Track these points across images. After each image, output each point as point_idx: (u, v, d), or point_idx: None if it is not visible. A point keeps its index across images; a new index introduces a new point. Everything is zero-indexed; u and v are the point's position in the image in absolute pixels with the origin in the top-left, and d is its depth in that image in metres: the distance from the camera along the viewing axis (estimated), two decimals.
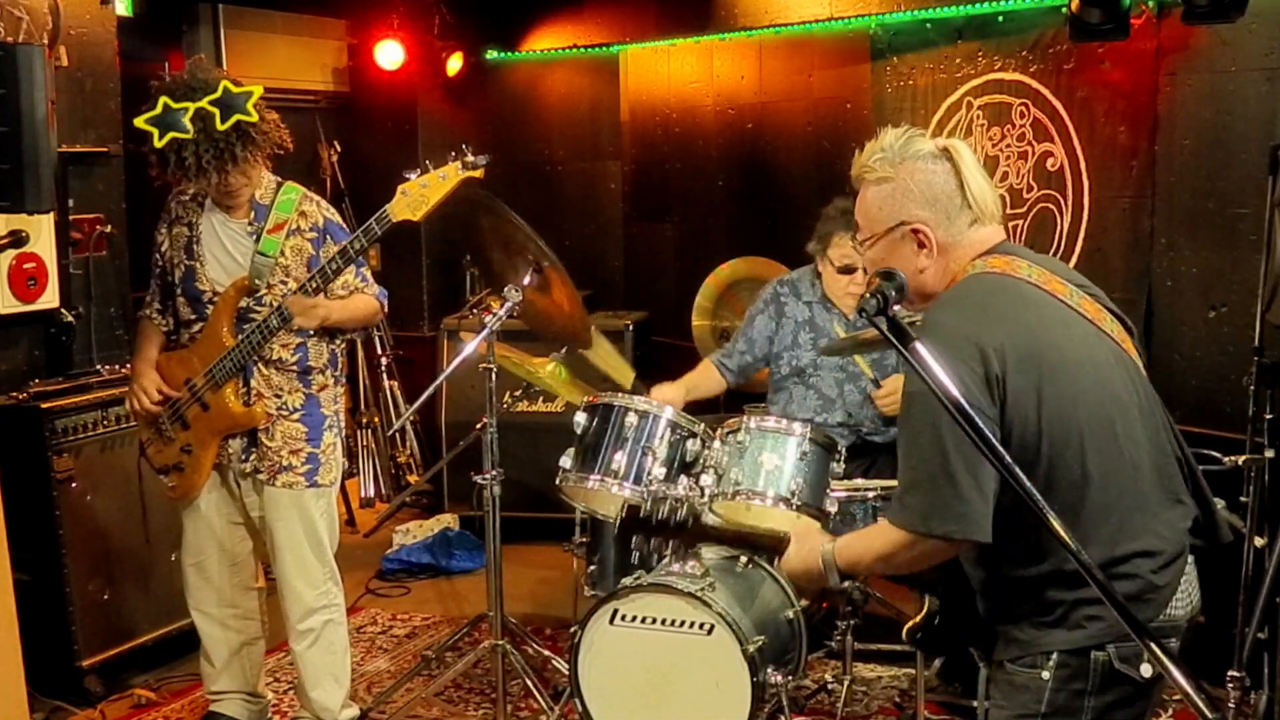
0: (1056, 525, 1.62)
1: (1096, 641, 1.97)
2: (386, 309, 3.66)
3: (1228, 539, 2.16)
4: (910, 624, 2.23)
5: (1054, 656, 2.00)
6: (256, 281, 3.43)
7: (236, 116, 3.27)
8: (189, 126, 3.23)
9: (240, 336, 3.42)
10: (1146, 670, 1.96)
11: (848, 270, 3.87)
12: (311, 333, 3.51)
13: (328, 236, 3.50)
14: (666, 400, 3.71)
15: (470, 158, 3.29)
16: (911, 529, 2.00)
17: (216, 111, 3.25)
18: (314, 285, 3.36)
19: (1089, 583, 1.89)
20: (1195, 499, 2.12)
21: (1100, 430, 1.98)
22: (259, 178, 3.48)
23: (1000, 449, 1.65)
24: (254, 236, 3.46)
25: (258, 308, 3.44)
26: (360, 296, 3.54)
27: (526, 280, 3.73)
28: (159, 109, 3.26)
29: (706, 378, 4.15)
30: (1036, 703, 2.01)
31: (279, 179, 3.55)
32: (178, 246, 3.53)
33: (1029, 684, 2.03)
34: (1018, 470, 1.64)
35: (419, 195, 3.27)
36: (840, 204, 3.88)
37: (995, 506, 1.95)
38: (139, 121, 3.30)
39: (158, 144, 3.27)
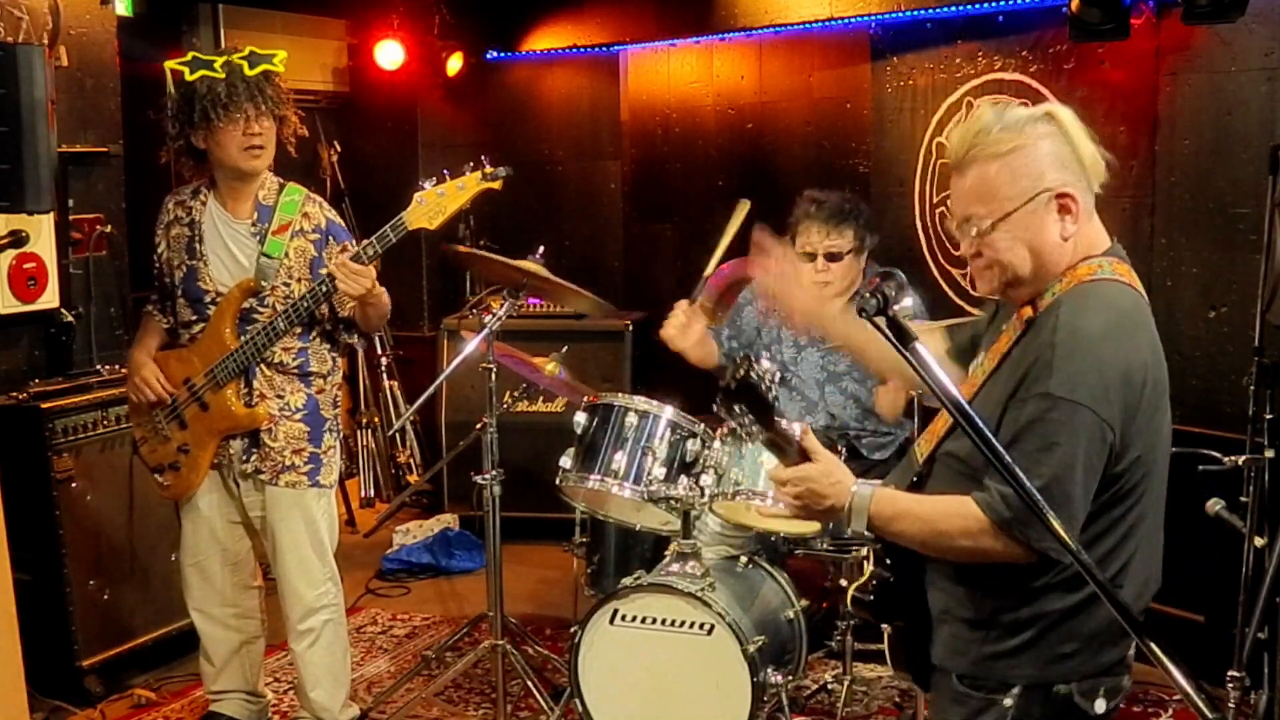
0: (1056, 525, 1.62)
1: (1063, 678, 1.98)
2: (389, 312, 3.65)
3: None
4: (856, 585, 2.15)
5: (1017, 687, 1.99)
6: (262, 283, 3.43)
7: (264, 66, 3.37)
8: (220, 69, 3.33)
9: (245, 337, 3.42)
10: (1100, 706, 1.98)
11: (809, 257, 3.87)
12: (313, 336, 3.51)
13: (330, 237, 3.50)
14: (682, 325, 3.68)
15: (490, 169, 3.30)
16: (1002, 524, 1.89)
17: (245, 63, 3.36)
18: (324, 290, 3.36)
19: (1081, 617, 1.95)
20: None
21: (1160, 467, 2.03)
22: (272, 157, 3.48)
23: (1001, 450, 1.65)
24: (258, 238, 3.45)
25: (261, 309, 3.44)
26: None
27: (517, 298, 3.74)
28: (189, 57, 3.37)
29: (707, 345, 4.12)
30: None
31: (281, 180, 3.55)
32: (177, 248, 3.53)
33: (988, 709, 2.02)
34: (1019, 473, 1.64)
35: (436, 204, 3.28)
36: (810, 194, 3.89)
37: (1104, 522, 1.98)
38: (170, 64, 3.38)
39: (189, 77, 3.32)
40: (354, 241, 3.49)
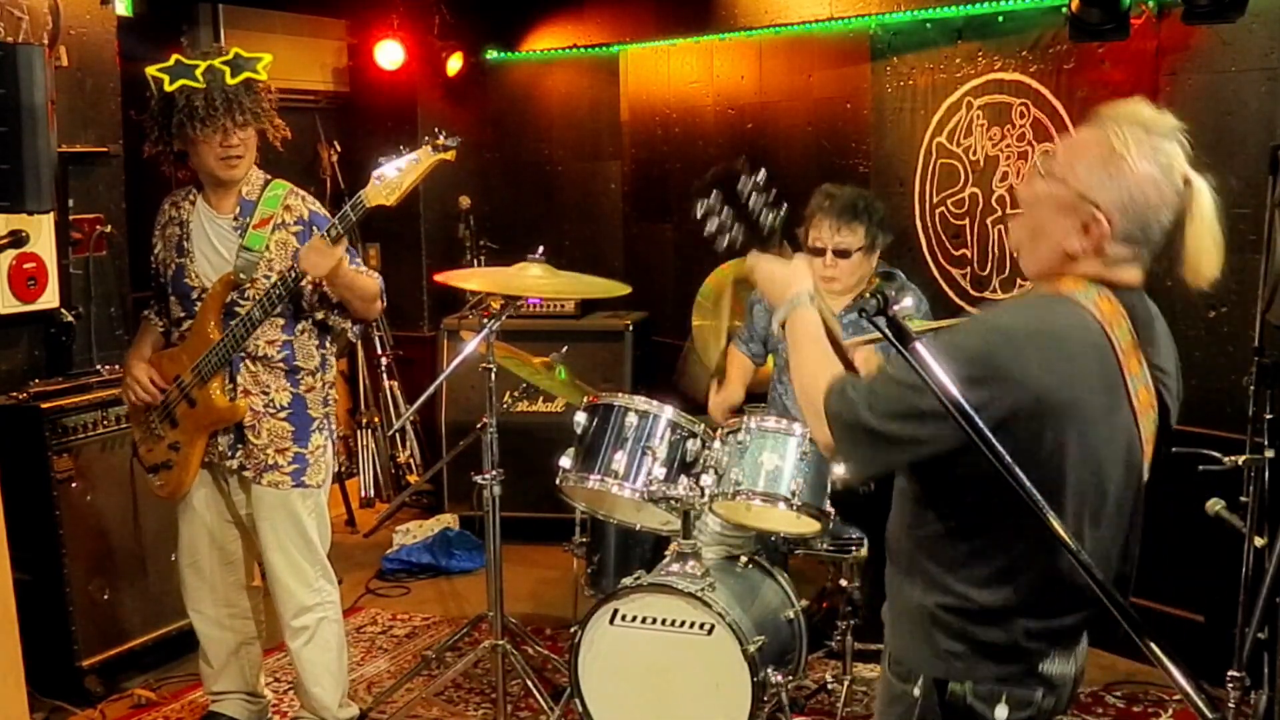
0: (1056, 525, 1.62)
1: (955, 677, 1.97)
2: (385, 299, 3.63)
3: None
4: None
5: (921, 679, 2.00)
6: (241, 276, 3.43)
7: (246, 74, 3.37)
8: (200, 79, 3.33)
9: (226, 330, 3.42)
10: (1001, 713, 1.95)
11: (817, 253, 3.86)
12: (299, 329, 3.51)
13: (313, 228, 3.49)
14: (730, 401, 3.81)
15: (441, 140, 3.30)
16: (832, 413, 1.93)
17: (227, 69, 3.35)
18: (293, 275, 3.35)
19: (975, 626, 1.93)
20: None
21: (1081, 508, 1.93)
22: (253, 161, 3.49)
23: (1000, 449, 1.65)
24: (240, 232, 3.46)
25: (243, 302, 3.44)
26: (362, 273, 3.53)
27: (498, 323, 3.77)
28: (171, 63, 3.37)
29: (744, 370, 4.16)
30: (909, 717, 2.02)
31: (268, 176, 3.56)
32: (169, 246, 3.55)
33: (902, 697, 2.03)
34: (1018, 470, 1.64)
35: (393, 181, 3.29)
36: (826, 188, 3.87)
37: (960, 522, 1.95)
38: (151, 70, 3.37)
39: (168, 87, 3.33)
40: (349, 249, 3.48)
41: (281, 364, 3.50)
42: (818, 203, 3.85)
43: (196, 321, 3.47)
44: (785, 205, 2.21)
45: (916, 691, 2.00)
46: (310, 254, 3.27)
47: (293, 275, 3.34)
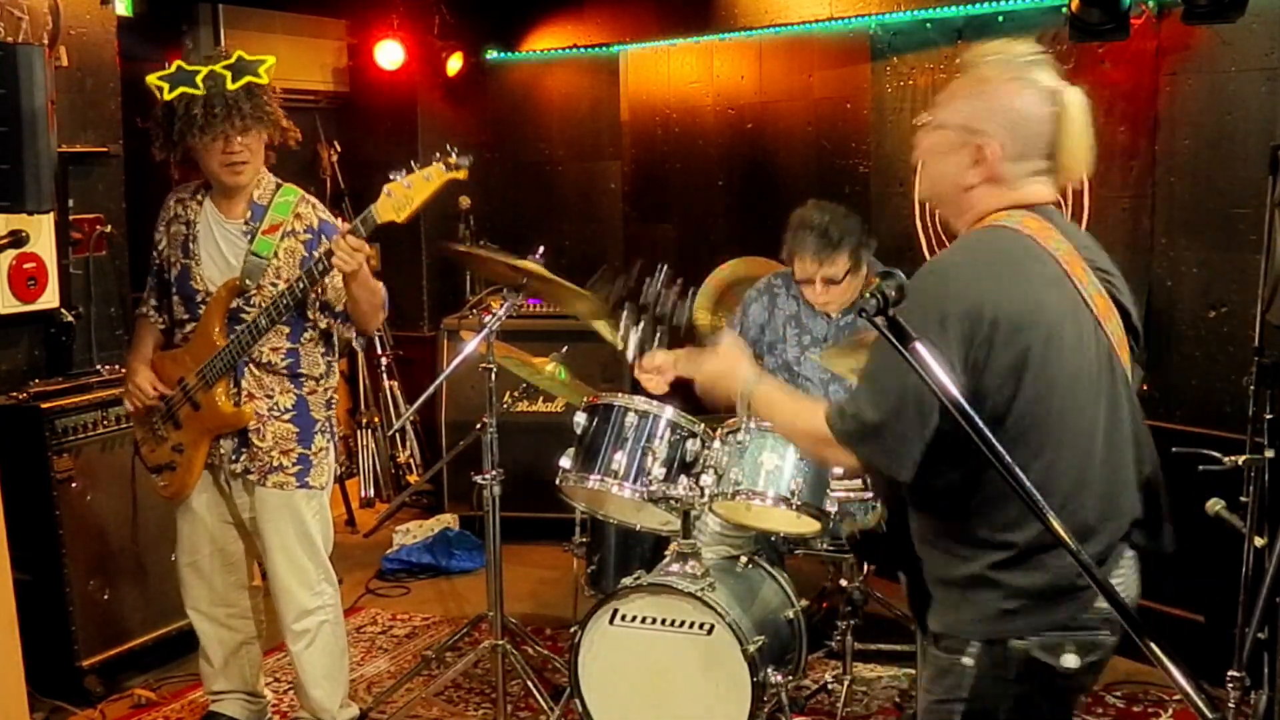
0: (1056, 525, 1.62)
1: (1015, 634, 1.97)
2: (388, 308, 3.63)
3: (1169, 549, 2.13)
4: (852, 530, 2.23)
5: (974, 644, 2.00)
6: (247, 282, 3.41)
7: (247, 78, 3.34)
8: (200, 85, 3.31)
9: (232, 335, 3.41)
10: (1070, 660, 1.96)
11: (806, 282, 3.88)
12: (304, 338, 3.50)
13: (322, 237, 3.47)
14: (659, 362, 3.71)
15: (454, 158, 3.27)
16: (842, 438, 1.99)
17: (228, 74, 3.33)
18: (301, 285, 3.34)
19: (1018, 572, 1.95)
20: (1149, 508, 2.09)
21: (1065, 424, 1.97)
22: (260, 165, 3.48)
23: (996, 443, 1.64)
24: (249, 237, 3.45)
25: (248, 308, 3.43)
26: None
27: (517, 297, 3.72)
28: (172, 69, 3.35)
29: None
30: (960, 688, 2.01)
31: (279, 180, 3.55)
32: (175, 245, 3.53)
33: (951, 668, 2.03)
34: (1011, 462, 1.64)
35: (403, 196, 3.26)
36: (799, 218, 3.84)
37: (962, 472, 1.97)
38: (151, 79, 3.36)
39: (167, 96, 3.31)
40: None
41: (285, 371, 3.49)
42: (795, 238, 3.81)
43: (201, 325, 3.47)
44: (690, 292, 2.32)
45: (967, 660, 2.00)
46: (342, 249, 3.22)
47: (319, 268, 3.31)
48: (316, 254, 3.40)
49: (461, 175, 3.30)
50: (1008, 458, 1.65)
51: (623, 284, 2.34)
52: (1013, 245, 2.00)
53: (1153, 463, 2.11)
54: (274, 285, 3.42)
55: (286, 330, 3.48)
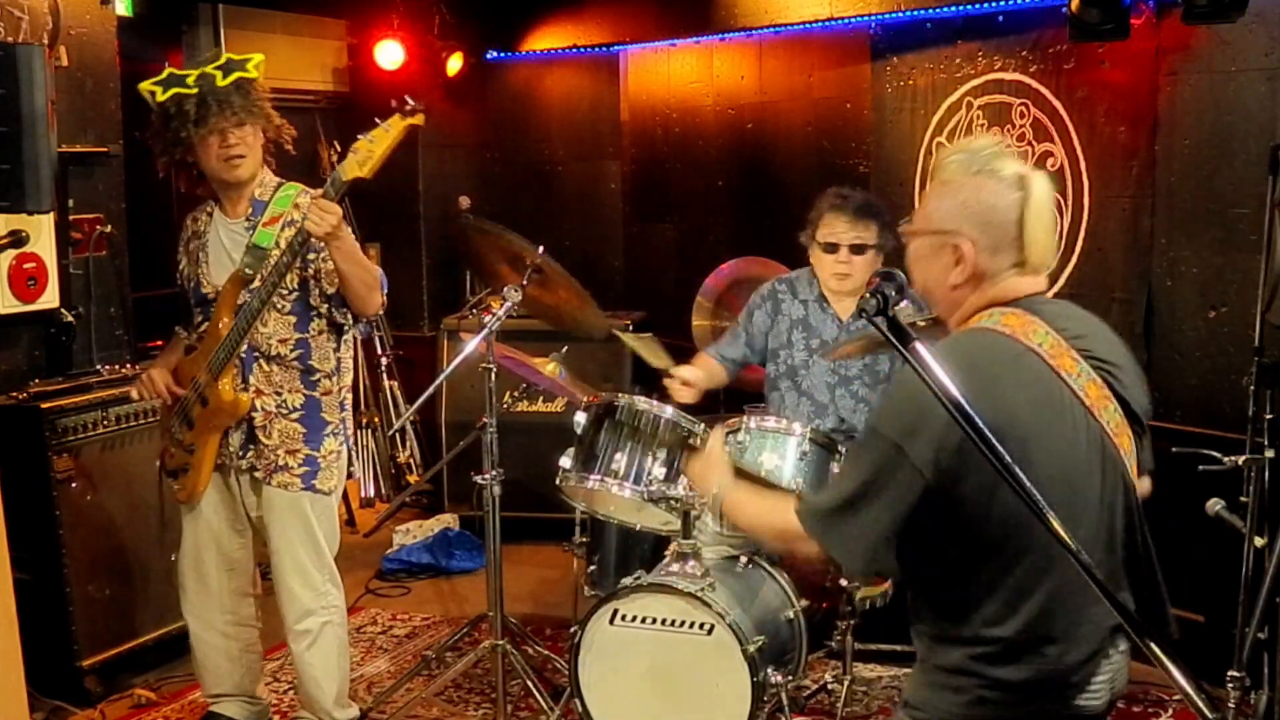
0: (1056, 525, 1.62)
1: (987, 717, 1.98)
2: (386, 290, 3.61)
3: (1175, 638, 2.14)
4: (862, 596, 2.26)
5: None
6: (248, 272, 3.42)
7: (237, 74, 3.38)
8: (192, 85, 3.35)
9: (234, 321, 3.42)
10: None
11: (832, 248, 3.88)
12: (311, 327, 3.50)
13: None
14: (690, 378, 3.82)
15: (410, 105, 3.30)
16: (812, 532, 2.05)
17: (218, 73, 3.37)
18: (284, 260, 3.34)
19: (1001, 666, 1.95)
20: (1145, 596, 2.07)
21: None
22: (258, 161, 3.49)
23: (1001, 450, 1.64)
24: (250, 230, 3.47)
25: (250, 298, 3.43)
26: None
27: (525, 281, 3.72)
28: (164, 75, 3.40)
29: (712, 371, 4.16)
30: None
31: (281, 180, 3.56)
32: (192, 260, 3.57)
33: None
34: (1017, 470, 1.64)
35: (366, 150, 3.28)
36: (836, 189, 3.95)
37: (945, 566, 1.98)
38: (143, 85, 3.40)
39: (160, 98, 3.35)
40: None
41: (296, 363, 3.49)
42: (830, 202, 3.90)
43: (210, 322, 3.47)
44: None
45: None
46: (313, 212, 3.23)
47: (298, 240, 3.31)
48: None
49: (418, 120, 3.34)
50: (1007, 457, 1.64)
51: None
52: (989, 349, 1.99)
53: (1147, 548, 2.08)
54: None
55: (293, 320, 3.48)
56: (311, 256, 3.42)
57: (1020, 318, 2.01)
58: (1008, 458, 1.64)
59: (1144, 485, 2.18)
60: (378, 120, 3.32)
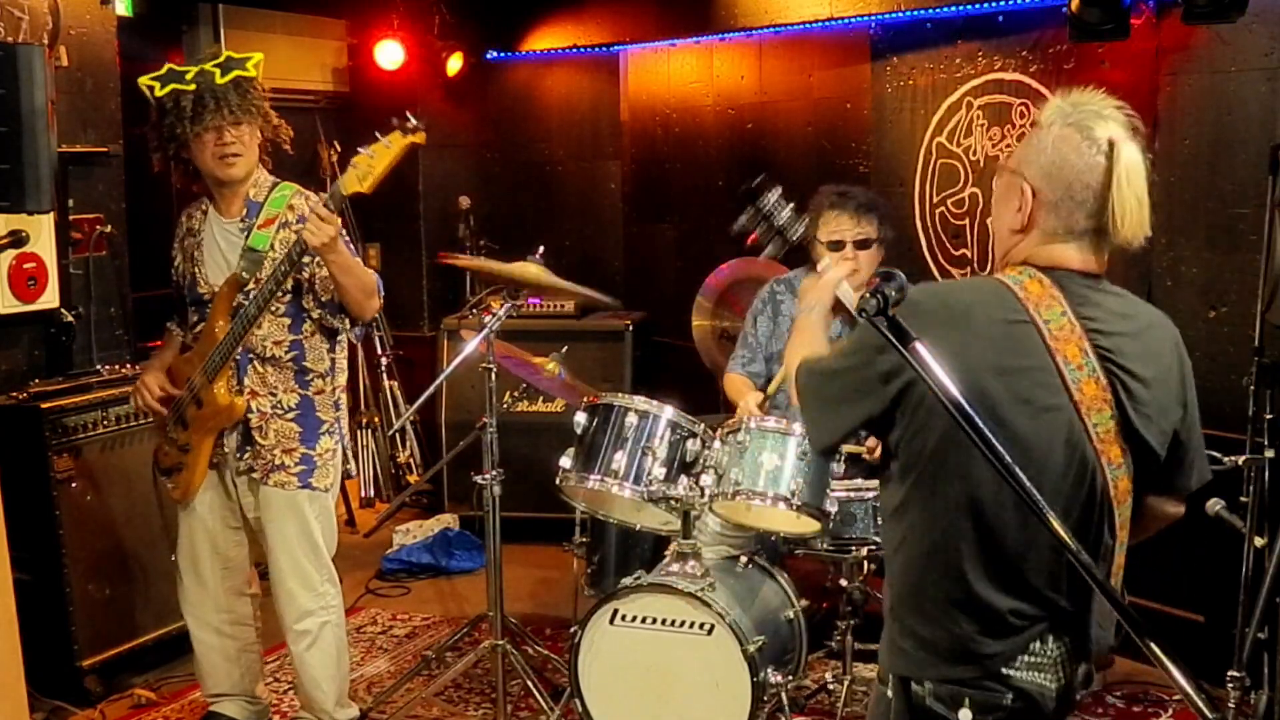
0: (1055, 524, 1.62)
1: (915, 677, 1.97)
2: (383, 295, 3.61)
3: (1102, 651, 2.05)
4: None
5: (890, 679, 2.02)
6: (244, 275, 3.43)
7: (235, 73, 3.39)
8: (190, 82, 3.37)
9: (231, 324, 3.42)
10: (965, 716, 1.91)
11: (837, 245, 3.87)
12: (305, 329, 3.50)
13: None
14: (754, 406, 3.80)
15: (411, 123, 3.30)
16: (797, 387, 2.12)
17: (217, 70, 3.39)
18: (282, 269, 3.34)
19: (918, 619, 1.95)
20: (1078, 607, 1.98)
21: (992, 495, 1.90)
22: (254, 160, 3.49)
23: (996, 444, 1.64)
24: (245, 232, 3.47)
25: (247, 302, 3.43)
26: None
27: (517, 297, 3.77)
28: (163, 71, 3.41)
29: (751, 386, 4.14)
30: (884, 717, 2.03)
31: (276, 180, 3.56)
32: (186, 257, 3.57)
33: (880, 699, 2.05)
34: (1009, 460, 1.63)
35: (366, 165, 3.29)
36: (829, 188, 3.92)
37: (906, 495, 1.98)
38: (142, 80, 3.41)
39: (159, 93, 3.37)
40: (343, 233, 3.44)
41: (291, 364, 3.50)
42: (829, 199, 3.88)
43: (206, 323, 3.48)
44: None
45: (889, 692, 2.02)
46: (311, 221, 3.23)
47: (296, 250, 3.31)
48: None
49: (419, 139, 3.33)
50: (1007, 457, 1.64)
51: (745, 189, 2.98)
52: (986, 301, 1.94)
53: (1101, 569, 1.98)
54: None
55: (287, 322, 3.48)
56: (306, 260, 3.41)
57: (1043, 287, 1.94)
58: (1003, 454, 1.63)
59: (1170, 508, 2.15)
60: (378, 134, 3.31)
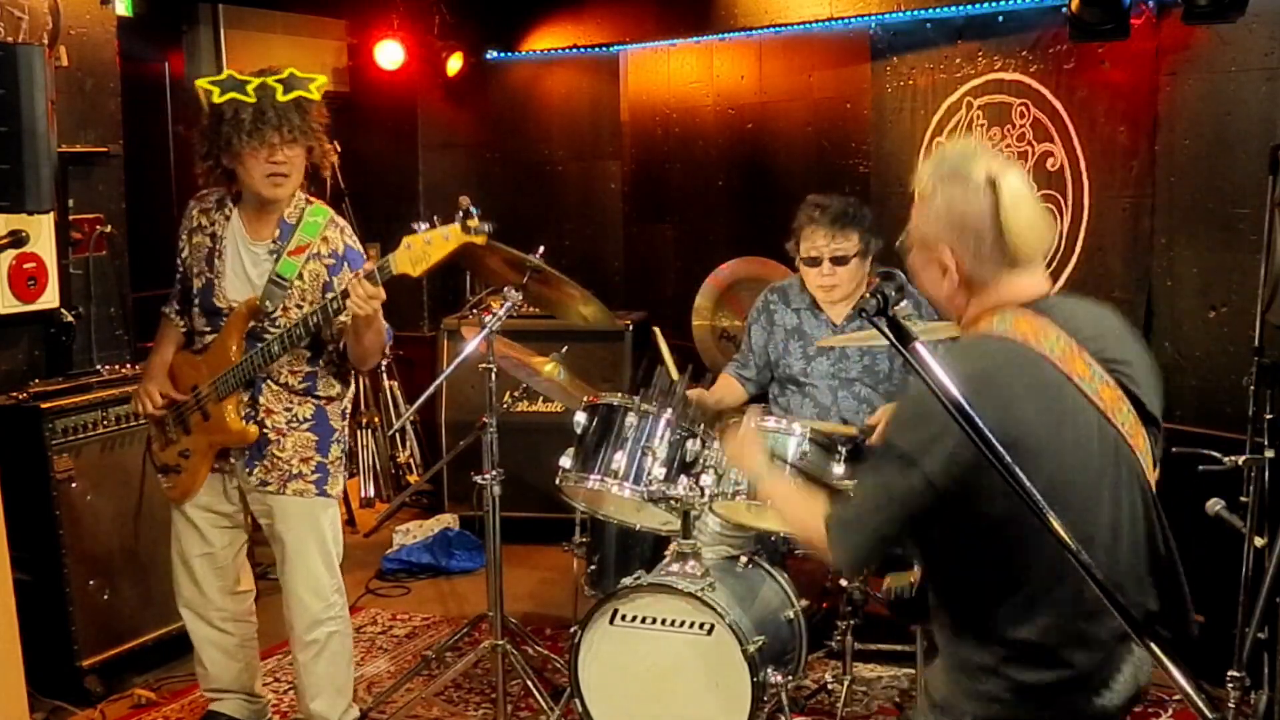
0: (1056, 524, 1.62)
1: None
2: (390, 345, 3.60)
3: (1194, 636, 2.15)
4: (889, 584, 2.34)
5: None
6: (267, 303, 3.38)
7: (298, 93, 3.33)
8: (251, 94, 3.28)
9: (247, 354, 3.39)
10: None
11: (814, 262, 3.89)
12: (322, 361, 3.49)
13: (346, 264, 3.45)
14: (694, 398, 3.79)
15: (475, 223, 3.26)
16: (833, 547, 2.07)
17: (279, 86, 3.31)
18: (315, 320, 3.31)
19: (1020, 663, 1.96)
20: (1168, 596, 2.10)
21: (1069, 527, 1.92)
22: (298, 183, 3.43)
23: (1003, 451, 1.64)
24: (275, 257, 3.42)
25: (271, 329, 3.40)
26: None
27: (525, 280, 3.72)
28: (223, 76, 3.34)
29: (730, 390, 4.17)
30: None
31: (308, 198, 3.51)
32: (198, 256, 3.51)
33: None
34: (1018, 472, 1.64)
35: (421, 251, 3.24)
36: (812, 199, 3.93)
37: (964, 557, 2.00)
38: (200, 82, 3.34)
39: (217, 99, 3.28)
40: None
41: (303, 391, 3.48)
42: (808, 214, 3.89)
43: (220, 338, 3.45)
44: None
45: None
46: (359, 294, 3.17)
47: (333, 306, 3.28)
48: (337, 281, 3.38)
49: (480, 240, 3.29)
50: (1007, 458, 1.64)
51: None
52: (1000, 358, 1.98)
53: (1169, 548, 2.09)
54: (298, 307, 3.40)
55: (308, 355, 3.46)
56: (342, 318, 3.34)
57: (1032, 321, 1.99)
58: (1008, 458, 1.64)
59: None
60: (436, 220, 3.27)
